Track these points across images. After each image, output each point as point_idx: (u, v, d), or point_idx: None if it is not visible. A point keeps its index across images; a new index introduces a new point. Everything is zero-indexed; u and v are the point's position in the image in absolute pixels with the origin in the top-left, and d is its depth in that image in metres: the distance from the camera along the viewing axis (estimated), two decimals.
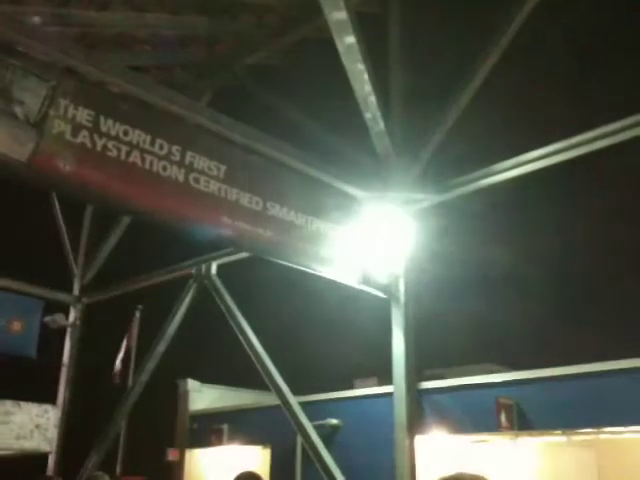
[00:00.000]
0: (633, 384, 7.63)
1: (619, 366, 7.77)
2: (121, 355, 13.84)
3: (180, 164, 6.82)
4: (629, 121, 7.42)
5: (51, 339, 13.94)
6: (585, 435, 9.42)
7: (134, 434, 13.80)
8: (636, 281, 12.71)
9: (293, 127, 10.45)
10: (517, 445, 10.51)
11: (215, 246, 10.90)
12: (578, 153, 7.90)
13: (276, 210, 7.68)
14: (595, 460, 9.84)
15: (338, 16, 7.25)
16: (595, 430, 8.79)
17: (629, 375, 7.67)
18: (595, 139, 7.71)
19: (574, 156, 7.94)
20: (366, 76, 7.91)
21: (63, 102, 6.03)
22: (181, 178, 6.81)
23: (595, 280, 13.32)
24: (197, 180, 6.96)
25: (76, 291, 14.32)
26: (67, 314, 14.16)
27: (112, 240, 13.66)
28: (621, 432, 8.88)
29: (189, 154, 6.92)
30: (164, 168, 6.69)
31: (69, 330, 14.10)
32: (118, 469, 13.40)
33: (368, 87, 8.04)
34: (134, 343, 14.01)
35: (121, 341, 13.96)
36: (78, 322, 14.15)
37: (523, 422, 8.41)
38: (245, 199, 7.37)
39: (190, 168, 6.90)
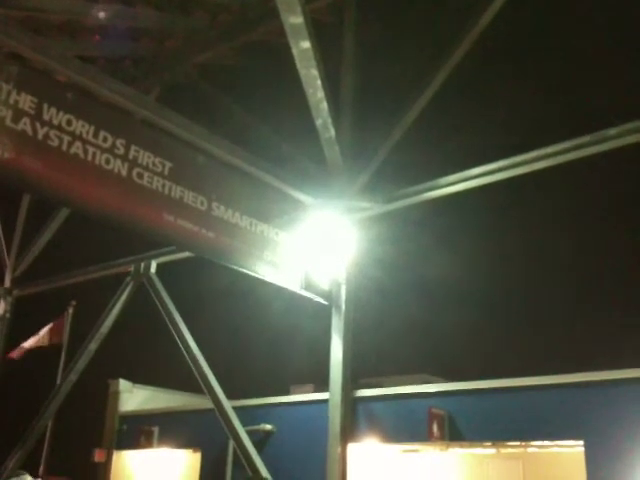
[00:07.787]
0: (561, 400, 7.83)
1: (549, 381, 7.95)
2: (33, 339, 13.49)
3: (124, 158, 6.69)
4: (571, 143, 7.67)
5: None
6: (513, 448, 9.65)
7: (60, 433, 13.39)
8: (573, 295, 13.07)
9: (242, 129, 10.35)
10: (447, 455, 10.67)
11: (156, 244, 10.69)
12: (518, 172, 8.14)
13: (221, 211, 7.61)
14: (522, 472, 10.08)
15: (294, 20, 7.23)
16: (523, 443, 9.01)
17: (558, 391, 7.86)
18: (535, 160, 7.94)
19: (514, 175, 8.17)
20: (319, 82, 7.92)
21: (5, 87, 5.85)
22: (124, 172, 6.68)
23: (532, 293, 13.63)
24: (141, 175, 6.83)
25: (7, 283, 13.82)
26: None
27: (48, 232, 13.25)
28: (547, 446, 9.13)
29: (134, 148, 6.79)
30: (107, 161, 6.54)
31: None
32: (41, 469, 12.96)
33: (321, 93, 8.04)
34: (65, 340, 13.64)
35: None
36: (8, 315, 13.67)
37: (454, 433, 8.52)
38: (189, 198, 7.29)
39: (134, 163, 6.78)
